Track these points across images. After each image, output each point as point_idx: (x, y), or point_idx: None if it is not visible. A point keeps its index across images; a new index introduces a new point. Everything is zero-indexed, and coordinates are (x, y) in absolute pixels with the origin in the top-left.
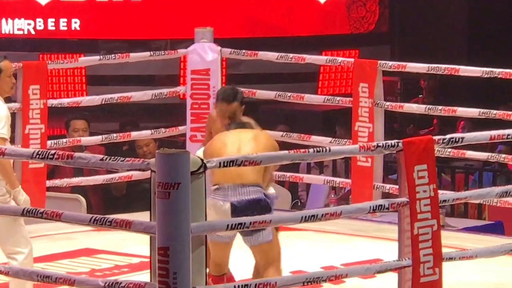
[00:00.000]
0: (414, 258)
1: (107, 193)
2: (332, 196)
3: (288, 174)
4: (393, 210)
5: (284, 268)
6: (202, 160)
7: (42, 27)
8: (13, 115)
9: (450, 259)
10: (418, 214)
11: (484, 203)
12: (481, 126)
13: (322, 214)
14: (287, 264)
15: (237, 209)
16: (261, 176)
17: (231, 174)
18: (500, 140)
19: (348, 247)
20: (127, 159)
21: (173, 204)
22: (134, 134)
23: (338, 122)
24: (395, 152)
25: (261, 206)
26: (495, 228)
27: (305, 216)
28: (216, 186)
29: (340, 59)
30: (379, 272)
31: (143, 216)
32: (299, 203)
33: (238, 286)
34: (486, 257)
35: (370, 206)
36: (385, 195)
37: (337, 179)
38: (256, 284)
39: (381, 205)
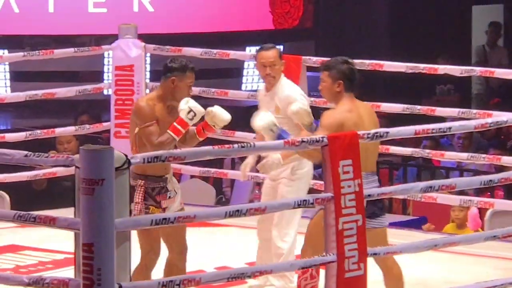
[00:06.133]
0: (339, 253)
1: (26, 187)
2: (257, 191)
3: (213, 170)
4: (317, 206)
5: (208, 264)
6: (126, 156)
7: None
8: None
9: (375, 254)
10: (343, 209)
11: (408, 198)
12: (402, 122)
13: (247, 209)
14: (212, 260)
15: None
16: None
17: None
18: (425, 135)
19: None
20: (51, 155)
21: (97, 200)
22: (59, 131)
23: None
24: (320, 147)
25: None
26: (420, 223)
27: (230, 212)
28: None
29: None
30: (303, 267)
31: (67, 212)
32: (223, 199)
33: (163, 282)
34: (411, 253)
35: (295, 202)
36: (309, 191)
37: (262, 175)
38: (181, 280)
39: (305, 200)
